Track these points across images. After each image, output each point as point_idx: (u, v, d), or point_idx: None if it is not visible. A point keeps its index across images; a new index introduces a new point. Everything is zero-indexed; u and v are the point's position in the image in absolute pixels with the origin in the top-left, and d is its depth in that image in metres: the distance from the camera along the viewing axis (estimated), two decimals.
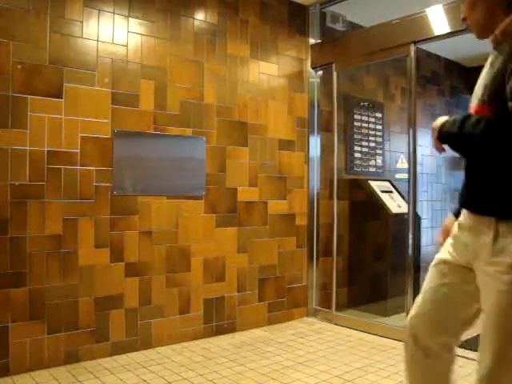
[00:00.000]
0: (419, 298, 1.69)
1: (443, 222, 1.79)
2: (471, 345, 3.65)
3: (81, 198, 3.15)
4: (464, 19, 1.59)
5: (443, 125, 1.50)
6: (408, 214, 3.79)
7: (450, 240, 1.63)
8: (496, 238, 1.36)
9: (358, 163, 4.88)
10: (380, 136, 5.15)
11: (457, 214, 1.67)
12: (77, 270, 3.13)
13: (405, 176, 4.48)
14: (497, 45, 1.48)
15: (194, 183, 3.68)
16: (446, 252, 1.62)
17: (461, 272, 1.55)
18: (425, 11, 3.56)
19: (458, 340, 1.66)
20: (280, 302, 4.22)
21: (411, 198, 3.78)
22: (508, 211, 1.34)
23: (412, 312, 1.69)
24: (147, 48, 3.46)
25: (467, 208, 1.51)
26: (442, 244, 1.72)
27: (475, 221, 1.46)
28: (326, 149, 4.47)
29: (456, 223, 1.61)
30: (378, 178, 4.96)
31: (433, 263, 1.67)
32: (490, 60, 1.50)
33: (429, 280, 1.66)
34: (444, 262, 1.61)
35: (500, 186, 1.36)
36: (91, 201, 3.19)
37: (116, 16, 3.31)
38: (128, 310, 3.35)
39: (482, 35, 1.55)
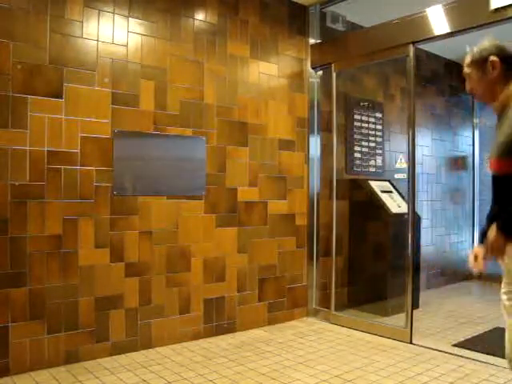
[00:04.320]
0: None
1: (473, 250, 2.06)
2: (469, 345, 3.67)
3: (81, 198, 3.15)
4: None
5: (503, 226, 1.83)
6: (408, 213, 3.79)
7: None
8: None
9: (358, 163, 4.89)
10: (380, 136, 5.15)
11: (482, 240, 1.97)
12: (77, 269, 3.13)
13: (403, 176, 4.48)
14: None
15: (194, 183, 3.68)
16: None
17: None
18: (424, 11, 3.56)
19: None
20: (280, 301, 4.22)
21: (410, 197, 3.78)
22: None
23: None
24: (147, 48, 3.46)
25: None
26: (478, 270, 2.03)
27: None
28: (326, 149, 4.48)
29: None
30: (378, 178, 4.96)
31: None
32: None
33: None
34: None
35: None
36: (91, 201, 3.19)
37: (116, 16, 3.31)
38: (128, 310, 3.35)
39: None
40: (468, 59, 2.02)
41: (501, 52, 1.93)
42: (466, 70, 2.04)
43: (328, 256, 4.43)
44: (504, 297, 2.04)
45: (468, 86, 2.05)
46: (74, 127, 3.12)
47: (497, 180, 1.87)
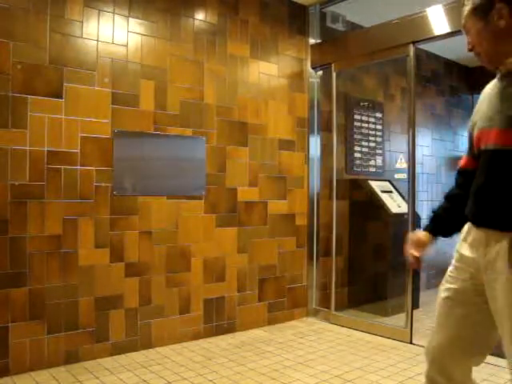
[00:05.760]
0: (437, 333, 1.66)
1: (412, 236, 1.80)
2: None
3: (81, 198, 3.15)
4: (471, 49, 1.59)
5: None
6: (408, 213, 3.79)
7: (449, 268, 1.66)
8: (511, 246, 1.41)
9: (358, 163, 4.88)
10: (380, 136, 5.15)
11: (430, 230, 1.76)
12: (77, 269, 3.13)
13: (403, 176, 4.48)
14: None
15: (194, 183, 3.68)
16: (448, 284, 1.64)
17: (469, 297, 1.57)
18: (424, 11, 3.56)
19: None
20: (280, 301, 4.22)
21: (410, 197, 3.78)
22: None
23: (432, 344, 1.66)
24: (147, 48, 3.46)
25: (480, 224, 1.54)
26: (410, 256, 1.76)
27: (485, 235, 1.50)
28: (326, 149, 4.48)
29: (459, 242, 1.64)
30: (378, 178, 4.96)
31: (440, 299, 1.67)
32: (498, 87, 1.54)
33: (441, 316, 1.65)
34: (450, 295, 1.62)
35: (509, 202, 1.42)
36: (91, 201, 3.19)
37: (116, 16, 3.31)
38: (128, 310, 3.35)
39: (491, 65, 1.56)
40: (467, 8, 1.55)
41: None
42: (465, 22, 1.58)
43: (328, 256, 4.43)
44: None
45: (468, 44, 1.59)
46: (74, 127, 3.12)
47: (499, 155, 1.47)
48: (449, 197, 1.78)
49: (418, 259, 1.76)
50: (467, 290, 1.57)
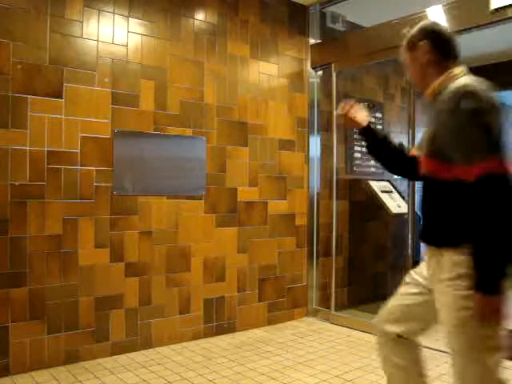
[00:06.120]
0: (390, 302, 1.96)
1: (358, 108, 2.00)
2: None
3: (81, 198, 3.15)
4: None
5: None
6: (408, 214, 3.79)
7: (420, 264, 1.88)
8: (439, 260, 1.64)
9: (358, 163, 4.88)
10: None
11: (367, 125, 1.98)
12: (77, 269, 3.13)
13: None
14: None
15: (194, 183, 3.68)
16: (413, 273, 1.89)
17: (421, 286, 1.82)
18: (424, 11, 3.56)
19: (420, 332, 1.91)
20: (280, 301, 4.22)
21: (410, 197, 3.78)
22: (445, 241, 1.63)
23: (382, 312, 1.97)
24: (147, 48, 3.46)
25: (423, 241, 1.78)
26: (344, 111, 1.99)
27: (431, 250, 1.72)
28: (326, 149, 4.48)
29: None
30: (378, 178, 4.96)
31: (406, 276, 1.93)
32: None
33: (400, 289, 1.94)
34: (408, 281, 1.90)
35: (440, 225, 1.66)
36: (91, 201, 3.19)
37: (116, 16, 3.31)
38: (128, 310, 3.35)
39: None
40: (403, 43, 1.81)
41: (434, 36, 1.72)
42: (402, 54, 1.82)
43: (328, 256, 4.43)
44: None
45: (407, 74, 1.86)
46: (73, 127, 3.12)
47: (429, 182, 1.70)
48: (400, 143, 2.07)
49: (351, 119, 1.99)
50: (420, 283, 1.81)
